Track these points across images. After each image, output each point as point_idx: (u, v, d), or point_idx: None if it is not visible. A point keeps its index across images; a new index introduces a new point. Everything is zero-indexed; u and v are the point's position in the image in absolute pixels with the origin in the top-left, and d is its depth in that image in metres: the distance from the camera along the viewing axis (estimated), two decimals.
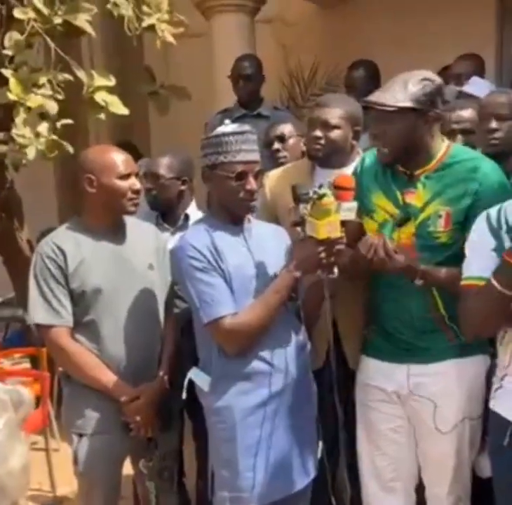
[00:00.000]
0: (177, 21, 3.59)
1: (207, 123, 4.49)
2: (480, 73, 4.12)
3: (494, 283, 1.85)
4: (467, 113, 2.94)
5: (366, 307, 2.53)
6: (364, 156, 2.48)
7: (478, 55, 4.27)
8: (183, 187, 2.98)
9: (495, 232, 1.95)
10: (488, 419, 2.32)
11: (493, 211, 1.99)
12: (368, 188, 2.36)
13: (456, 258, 2.21)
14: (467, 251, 2.04)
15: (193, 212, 2.99)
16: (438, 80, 2.26)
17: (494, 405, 2.11)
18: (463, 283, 2.01)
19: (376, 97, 2.23)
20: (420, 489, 2.55)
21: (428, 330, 2.33)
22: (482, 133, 2.72)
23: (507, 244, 1.91)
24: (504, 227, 1.94)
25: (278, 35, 6.17)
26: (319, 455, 2.29)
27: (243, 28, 5.28)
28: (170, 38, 3.54)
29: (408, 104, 2.18)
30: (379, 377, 2.43)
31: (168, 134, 6.04)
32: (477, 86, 3.64)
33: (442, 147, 2.31)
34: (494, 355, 2.36)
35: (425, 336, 2.34)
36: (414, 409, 2.40)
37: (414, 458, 2.47)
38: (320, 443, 2.28)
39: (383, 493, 2.51)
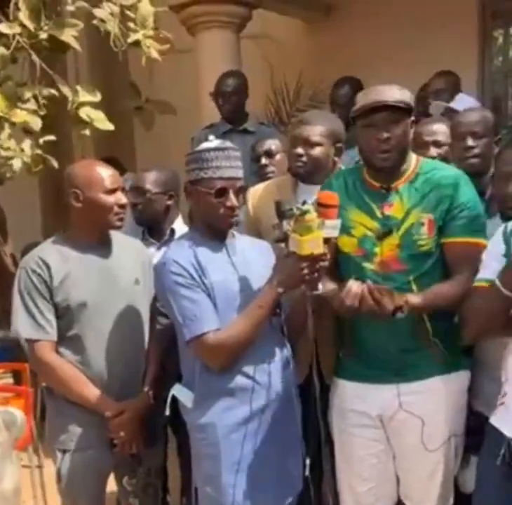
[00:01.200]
0: (163, 37, 3.62)
1: (193, 138, 4.51)
2: (457, 89, 4.24)
3: (498, 284, 1.95)
4: (438, 126, 3.00)
5: (340, 330, 2.47)
6: (330, 179, 2.48)
7: (454, 72, 4.38)
8: (169, 202, 2.99)
9: (507, 240, 2.06)
10: (469, 434, 2.34)
11: (510, 224, 2.10)
12: (342, 206, 2.30)
13: (439, 266, 2.28)
14: (483, 256, 2.12)
15: (180, 226, 3.00)
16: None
17: (494, 420, 2.10)
18: (474, 284, 2.10)
19: (385, 97, 2.21)
20: None
21: (413, 348, 2.31)
22: (458, 151, 2.76)
23: None
24: None
25: (264, 51, 6.21)
26: (306, 472, 2.28)
27: (228, 44, 5.32)
28: (156, 55, 3.56)
29: (411, 104, 2.23)
30: (358, 400, 2.38)
31: (154, 149, 6.06)
32: (464, 103, 3.71)
33: (413, 159, 2.36)
34: (472, 373, 2.39)
35: (411, 354, 2.32)
36: (399, 429, 2.36)
37: (394, 480, 2.44)
38: (307, 460, 2.27)
39: None
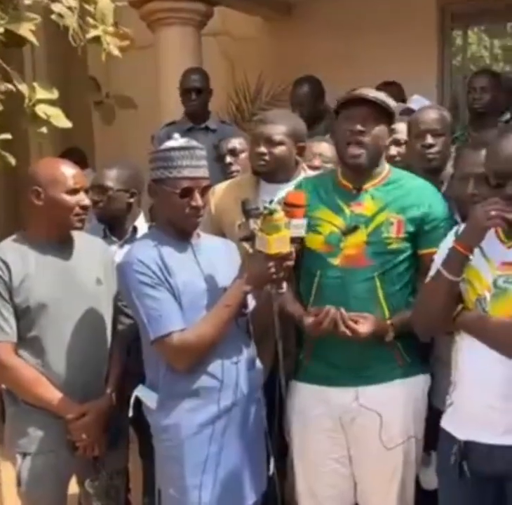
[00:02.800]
0: (123, 33, 3.57)
1: (153, 135, 4.47)
2: (401, 98, 4.43)
3: (443, 271, 1.99)
4: (397, 125, 3.04)
5: (299, 332, 2.47)
6: (300, 180, 2.50)
7: (397, 82, 4.60)
8: (131, 200, 2.95)
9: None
10: (431, 434, 2.37)
11: (463, 225, 2.13)
12: (311, 205, 2.35)
13: (405, 268, 2.33)
14: (435, 257, 2.16)
15: (142, 224, 2.96)
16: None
17: (445, 423, 2.16)
18: (427, 281, 2.13)
19: (367, 93, 2.24)
20: None
21: (374, 350, 2.32)
22: (417, 149, 2.79)
23: None
24: None
25: (225, 49, 6.19)
26: (271, 471, 2.27)
27: (189, 41, 5.28)
28: (116, 51, 3.51)
29: (393, 105, 2.26)
30: (319, 403, 2.38)
31: (113, 145, 5.99)
32: (420, 103, 3.81)
33: (386, 167, 2.40)
34: (432, 375, 2.42)
35: (371, 358, 2.33)
36: (358, 431, 2.36)
37: (352, 485, 2.44)
38: (272, 459, 2.26)
39: None
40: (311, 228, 2.34)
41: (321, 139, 3.21)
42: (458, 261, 1.99)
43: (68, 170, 2.37)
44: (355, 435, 2.37)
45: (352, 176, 2.35)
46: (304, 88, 4.31)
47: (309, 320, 2.26)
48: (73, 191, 2.35)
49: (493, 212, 1.89)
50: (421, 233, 2.32)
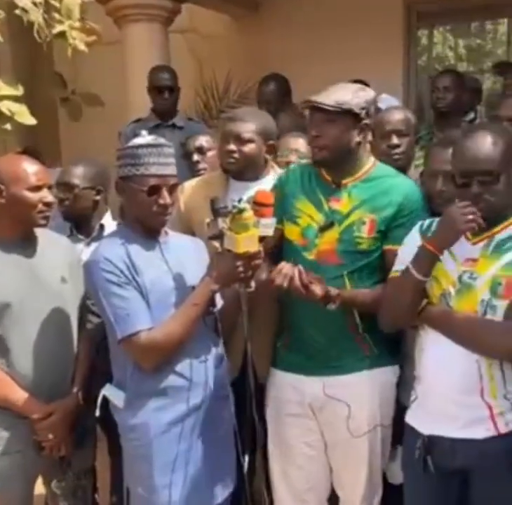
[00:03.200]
0: (89, 29, 3.53)
1: (120, 132, 4.43)
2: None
3: (412, 270, 2.02)
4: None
5: (278, 321, 2.53)
6: (290, 167, 2.54)
7: (363, 80, 4.54)
8: (97, 197, 2.92)
9: (423, 233, 2.14)
10: (398, 427, 2.41)
11: (426, 221, 2.19)
12: (293, 194, 2.42)
13: (375, 267, 2.35)
14: (399, 251, 2.20)
15: (109, 222, 2.94)
16: (373, 92, 2.39)
17: (409, 418, 2.19)
18: (391, 275, 2.18)
19: (321, 98, 2.27)
20: (333, 499, 2.59)
21: (343, 342, 2.37)
22: (383, 149, 2.82)
23: None
24: (432, 230, 2.12)
25: (192, 46, 6.16)
26: (244, 469, 2.28)
27: (156, 38, 5.24)
28: (82, 46, 3.47)
29: (351, 108, 2.25)
30: (292, 391, 2.45)
31: (79, 141, 5.93)
32: (388, 102, 3.83)
33: (369, 162, 2.42)
34: (402, 367, 2.45)
35: (340, 348, 2.38)
36: (328, 418, 2.43)
37: (327, 470, 2.51)
38: (246, 457, 2.27)
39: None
40: (291, 218, 2.39)
41: (297, 135, 3.21)
42: (428, 261, 2.02)
43: (30, 167, 2.34)
44: (325, 422, 2.44)
45: (328, 170, 2.39)
46: (271, 86, 4.32)
47: (263, 275, 2.28)
48: (36, 188, 2.32)
49: (470, 216, 1.93)
50: (388, 230, 2.34)
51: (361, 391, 2.38)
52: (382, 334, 2.34)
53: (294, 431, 2.48)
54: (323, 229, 2.35)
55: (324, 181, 2.41)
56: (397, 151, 2.81)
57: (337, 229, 2.34)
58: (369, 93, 2.35)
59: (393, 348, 2.47)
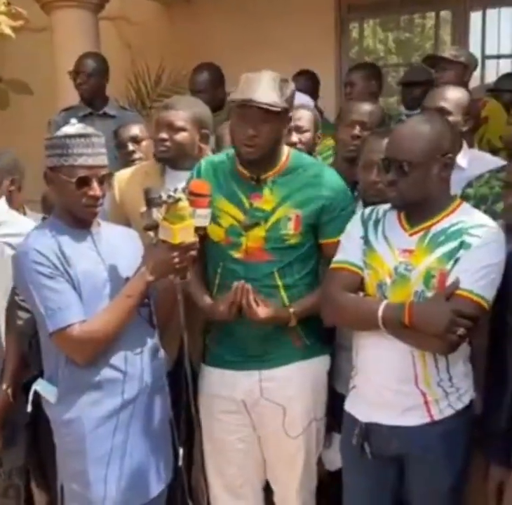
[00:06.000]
0: (16, 13, 3.43)
1: (50, 121, 4.31)
2: (315, 87, 4.61)
3: (379, 321, 2.00)
4: (302, 112, 3.07)
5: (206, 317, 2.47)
6: (199, 164, 2.45)
7: (312, 71, 4.67)
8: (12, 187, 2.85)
9: (364, 223, 2.15)
10: (333, 415, 2.43)
11: (368, 209, 2.20)
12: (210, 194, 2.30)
13: (305, 258, 2.34)
14: (341, 240, 2.20)
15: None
16: (293, 84, 2.29)
17: (347, 406, 2.21)
18: (332, 266, 2.17)
19: (259, 96, 2.15)
20: (268, 490, 2.59)
21: (274, 333, 2.35)
22: (343, 137, 2.83)
23: (371, 232, 2.12)
24: (373, 219, 2.15)
25: (123, 34, 6.06)
26: (180, 462, 2.24)
27: (85, 25, 5.13)
28: (8, 31, 3.37)
29: (285, 105, 2.19)
30: (224, 387, 2.41)
31: (7, 131, 5.75)
32: (300, 99, 3.88)
33: (285, 151, 2.37)
34: (333, 355, 2.47)
35: (272, 340, 2.36)
36: (262, 416, 2.41)
37: (261, 462, 2.50)
38: (180, 449, 2.25)
39: (233, 500, 2.52)
40: (212, 218, 2.28)
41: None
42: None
43: None
44: (258, 417, 2.42)
45: (249, 166, 2.32)
46: (204, 75, 4.26)
47: (221, 307, 2.28)
48: None
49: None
50: (320, 224, 2.33)
51: (295, 385, 2.37)
52: (314, 326, 2.35)
53: (225, 427, 2.44)
54: (248, 228, 2.31)
55: (242, 177, 2.34)
56: (356, 142, 2.76)
57: (262, 227, 2.30)
58: (291, 86, 2.26)
59: (325, 337, 2.47)
